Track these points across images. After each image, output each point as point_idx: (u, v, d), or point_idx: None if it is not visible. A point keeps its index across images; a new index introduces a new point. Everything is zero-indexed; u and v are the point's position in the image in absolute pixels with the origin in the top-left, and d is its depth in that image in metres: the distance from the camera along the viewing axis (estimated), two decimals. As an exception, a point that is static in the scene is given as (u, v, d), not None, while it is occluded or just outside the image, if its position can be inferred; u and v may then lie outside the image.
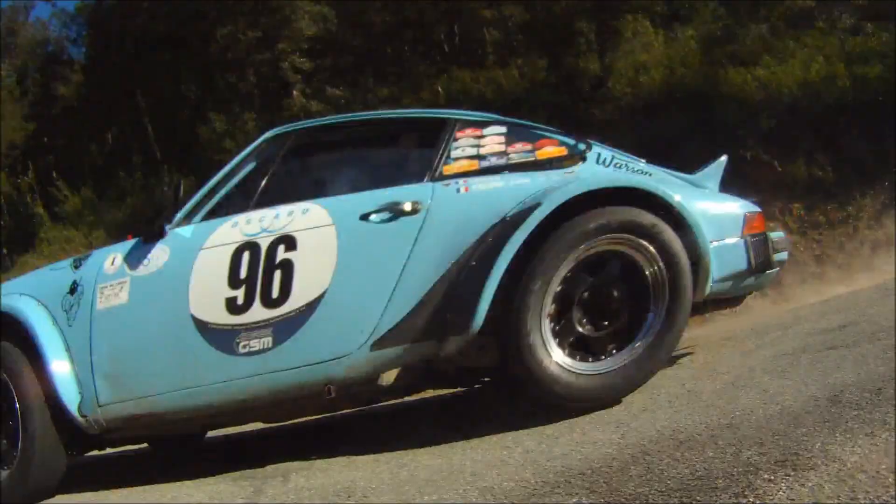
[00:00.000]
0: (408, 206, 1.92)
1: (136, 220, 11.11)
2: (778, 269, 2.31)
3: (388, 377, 1.87)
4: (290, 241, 1.89)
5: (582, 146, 2.24)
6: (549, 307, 1.81)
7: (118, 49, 12.77)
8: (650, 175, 2.30)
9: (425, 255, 1.87)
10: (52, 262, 5.44)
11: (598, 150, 2.28)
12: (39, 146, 14.62)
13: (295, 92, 9.46)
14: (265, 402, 1.94)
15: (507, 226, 1.83)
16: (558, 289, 1.83)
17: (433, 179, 2.05)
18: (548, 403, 1.85)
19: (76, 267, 2.13)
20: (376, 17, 10.09)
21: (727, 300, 2.37)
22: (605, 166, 2.27)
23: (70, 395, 1.91)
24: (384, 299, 1.83)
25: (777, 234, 2.36)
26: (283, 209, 1.99)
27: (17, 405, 1.87)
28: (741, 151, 6.33)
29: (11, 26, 18.18)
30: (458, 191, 1.99)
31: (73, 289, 2.04)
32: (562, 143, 2.24)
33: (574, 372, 1.79)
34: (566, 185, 1.89)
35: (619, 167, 2.29)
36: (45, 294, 2.07)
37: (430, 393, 2.85)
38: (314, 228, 1.92)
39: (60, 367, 1.92)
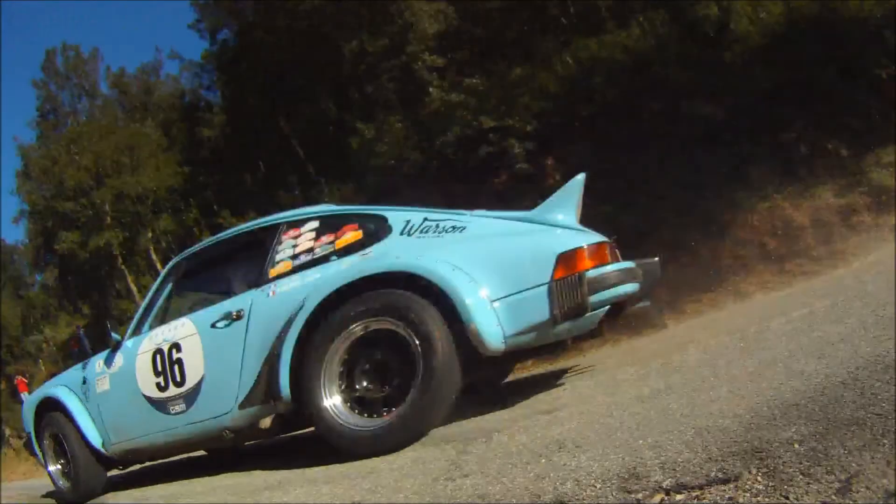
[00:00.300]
0: (234, 314, 2.65)
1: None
2: (603, 309, 2.21)
3: (265, 423, 2.58)
4: (178, 347, 2.81)
5: (372, 228, 2.59)
6: (334, 376, 2.29)
7: (252, 84, 14.10)
8: (463, 229, 2.44)
9: (253, 347, 2.54)
10: None
11: (406, 220, 2.54)
12: (196, 186, 16.36)
13: (432, 89, 10.11)
14: (193, 441, 2.93)
15: (289, 323, 2.39)
16: (344, 359, 2.30)
17: (258, 285, 2.70)
18: (339, 450, 2.28)
19: (84, 368, 3.30)
20: (492, 3, 10.53)
21: (555, 344, 2.51)
22: (409, 236, 2.50)
23: (95, 439, 3.12)
24: (237, 378, 2.56)
25: (618, 266, 2.33)
26: (174, 323, 2.93)
27: (66, 446, 3.26)
28: (875, 70, 6.29)
29: (147, 87, 20.45)
30: (268, 295, 2.61)
31: (84, 381, 3.23)
32: (360, 227, 2.62)
33: (352, 427, 2.23)
34: (322, 286, 2.37)
35: (426, 232, 2.48)
36: (72, 384, 3.32)
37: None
38: (187, 336, 2.79)
39: (87, 425, 3.16)
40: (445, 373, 2.12)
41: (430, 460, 1.95)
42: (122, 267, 17.36)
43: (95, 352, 3.36)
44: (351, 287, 2.28)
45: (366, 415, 2.29)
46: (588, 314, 2.15)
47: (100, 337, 13.10)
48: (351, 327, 2.27)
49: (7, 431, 24.44)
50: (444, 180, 10.32)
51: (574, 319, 2.15)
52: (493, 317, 2.15)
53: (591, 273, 2.16)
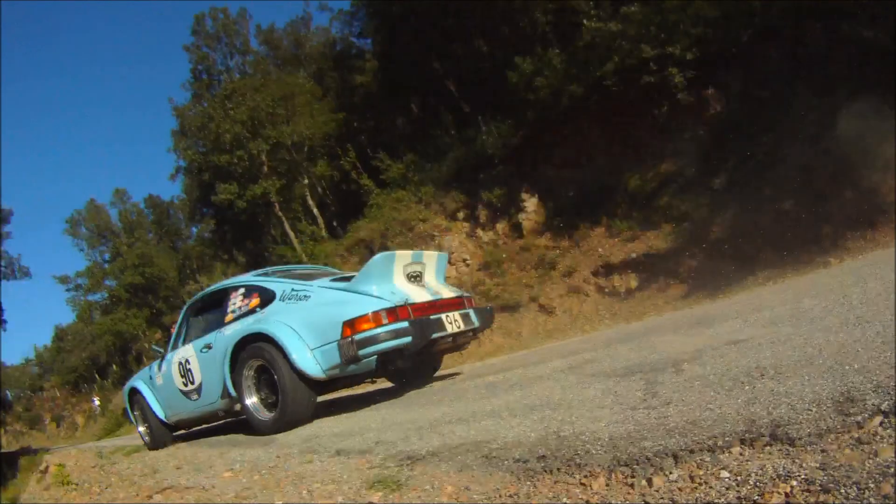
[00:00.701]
0: (208, 345, 5.13)
1: (461, 171, 13.96)
2: (373, 358, 4.23)
3: (238, 408, 4.98)
4: (188, 361, 5.38)
5: (266, 296, 4.87)
6: (251, 387, 4.73)
7: (403, 27, 15.72)
8: (308, 297, 4.56)
9: (216, 365, 4.96)
10: (381, 222, 15.07)
11: (282, 290, 4.76)
12: (351, 131, 18.47)
13: (585, 21, 11.09)
14: (206, 417, 5.59)
15: (226, 354, 4.84)
16: (254, 377, 4.71)
17: (219, 328, 5.10)
18: (257, 432, 4.80)
19: (150, 368, 6.11)
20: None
21: (365, 374, 4.65)
22: (283, 301, 4.65)
23: (160, 413, 5.94)
24: (214, 383, 5.05)
25: (386, 328, 4.14)
26: (186, 346, 5.50)
27: (147, 416, 6.31)
28: None
29: (297, 40, 22.85)
30: (223, 334, 4.99)
31: (150, 377, 6.04)
32: (260, 295, 4.92)
33: (261, 417, 4.69)
34: (235, 335, 4.81)
35: (291, 299, 4.64)
36: (145, 379, 6.19)
37: None
38: (190, 356, 5.35)
39: (154, 404, 5.98)
40: (293, 390, 4.41)
41: (621, 391, 2.56)
42: (280, 214, 19.89)
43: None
44: (246, 337, 4.69)
45: (268, 411, 4.68)
46: (362, 361, 4.19)
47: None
48: (249, 361, 4.69)
49: None
50: (604, 113, 11.42)
51: (355, 364, 4.19)
52: (311, 359, 4.31)
53: (360, 336, 4.09)
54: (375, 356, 4.16)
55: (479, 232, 13.72)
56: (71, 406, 56.87)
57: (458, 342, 5.26)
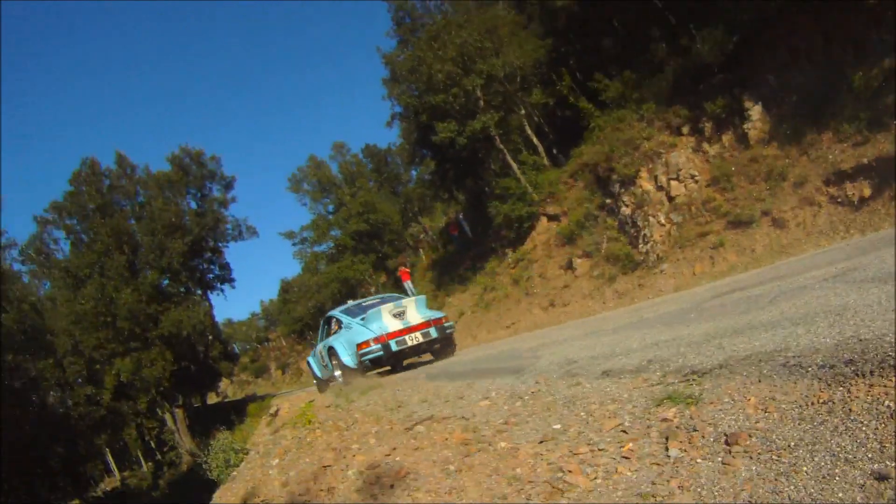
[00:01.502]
0: (324, 346, 13.64)
1: (680, 84, 15.78)
2: (367, 363, 12.22)
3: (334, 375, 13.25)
4: (319, 351, 14.22)
5: (341, 325, 13.57)
6: (335, 366, 13.27)
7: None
8: (351, 328, 12.94)
9: (326, 357, 13.54)
10: (604, 145, 18.59)
11: (343, 322, 13.44)
12: (560, 56, 20.90)
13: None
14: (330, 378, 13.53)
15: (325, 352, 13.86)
16: (334, 363, 13.43)
17: (326, 338, 13.77)
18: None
19: (314, 348, 15.40)
20: None
21: (371, 366, 12.44)
22: (342, 329, 13.29)
23: (321, 374, 14.26)
24: (338, 360, 12.86)
25: (374, 348, 11.93)
26: (318, 345, 14.55)
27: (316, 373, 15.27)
28: None
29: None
30: (326, 342, 13.58)
31: (312, 354, 15.35)
32: (339, 324, 13.70)
33: (339, 380, 12.83)
34: (326, 343, 13.71)
35: (346, 328, 13.22)
36: (315, 354, 14.99)
37: None
38: (318, 350, 14.29)
39: (316, 369, 14.68)
40: (344, 370, 12.57)
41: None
42: (500, 147, 22.96)
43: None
44: (330, 346, 13.17)
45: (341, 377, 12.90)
46: (363, 361, 12.08)
47: (478, 219, 20.73)
48: (332, 356, 13.13)
49: None
50: (819, 8, 12.52)
51: (362, 364, 12.12)
52: (347, 358, 12.40)
53: (361, 350, 12.01)
54: (368, 359, 11.93)
55: (705, 146, 15.52)
56: (296, 354, 67.14)
57: (423, 348, 12.84)
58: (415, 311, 12.76)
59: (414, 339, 12.09)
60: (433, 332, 12.39)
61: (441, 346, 13.10)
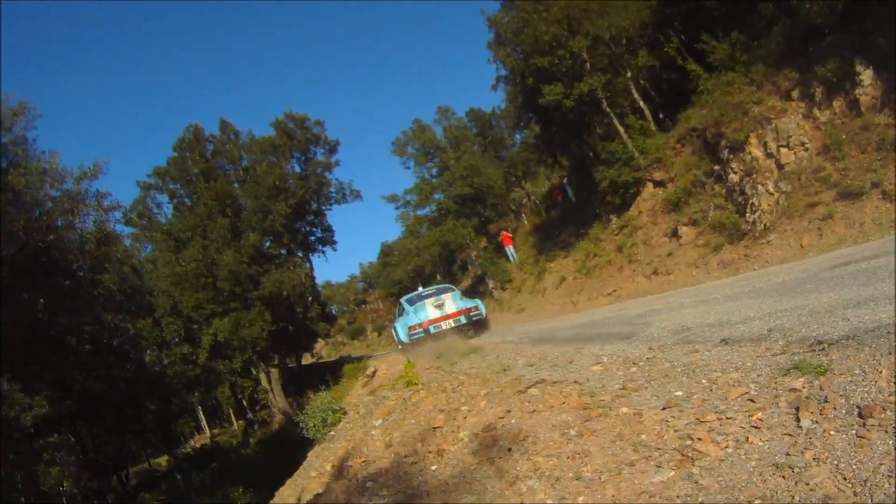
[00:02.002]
0: (399, 323, 21.53)
1: (790, 46, 16.45)
2: (416, 338, 18.43)
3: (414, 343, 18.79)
4: (395, 328, 21.59)
5: (403, 311, 20.64)
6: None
7: None
8: (408, 314, 19.59)
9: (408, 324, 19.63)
10: (713, 108, 19.53)
11: (404, 309, 20.30)
12: (665, 17, 21.76)
13: None
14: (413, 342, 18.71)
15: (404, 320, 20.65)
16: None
17: (399, 318, 21.32)
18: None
19: (397, 321, 21.20)
20: None
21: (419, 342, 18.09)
22: (402, 314, 20.44)
23: (405, 337, 19.08)
24: (405, 334, 19.29)
25: (434, 326, 18.19)
26: (396, 321, 21.86)
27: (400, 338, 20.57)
28: None
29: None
30: (397, 320, 21.77)
31: (395, 327, 21.22)
32: (403, 309, 20.93)
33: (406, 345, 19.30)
34: (395, 322, 22.10)
35: (405, 313, 20.06)
36: (398, 323, 20.69)
37: None
38: (398, 320, 20.91)
39: (402, 335, 19.40)
40: (402, 343, 19.58)
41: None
42: (607, 110, 24.06)
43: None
44: (395, 325, 21.34)
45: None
46: (413, 338, 18.26)
47: (582, 184, 22.80)
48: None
49: (491, 284, 35.72)
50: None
51: (412, 341, 18.23)
52: (403, 336, 19.05)
53: (412, 331, 18.37)
54: (416, 337, 18.08)
55: (816, 112, 16.12)
56: (393, 316, 69.58)
57: (454, 331, 18.09)
58: (451, 303, 18.99)
59: (447, 324, 18.30)
60: (462, 319, 18.57)
61: (473, 327, 19.05)
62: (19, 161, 20.19)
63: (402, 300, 21.02)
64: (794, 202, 16.04)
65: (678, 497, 4.47)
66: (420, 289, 22.55)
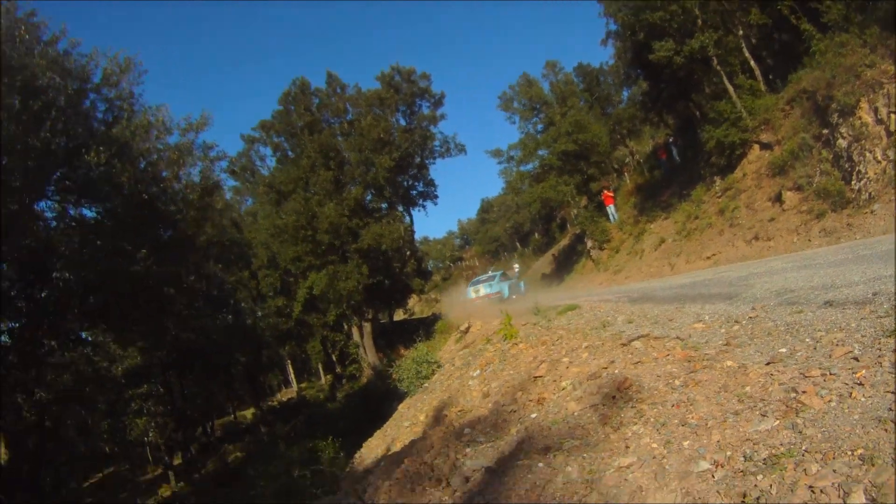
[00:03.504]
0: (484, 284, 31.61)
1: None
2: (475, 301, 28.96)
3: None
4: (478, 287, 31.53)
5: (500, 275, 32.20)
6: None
7: None
8: (493, 282, 30.61)
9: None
10: (825, 70, 19.04)
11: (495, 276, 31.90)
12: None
13: None
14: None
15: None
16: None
17: (478, 283, 32.10)
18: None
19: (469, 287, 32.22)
20: None
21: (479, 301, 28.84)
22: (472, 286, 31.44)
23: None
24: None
25: (505, 292, 29.13)
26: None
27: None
28: None
29: None
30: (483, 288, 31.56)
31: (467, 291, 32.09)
32: (497, 279, 31.31)
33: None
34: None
35: (475, 285, 31.41)
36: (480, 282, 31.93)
37: None
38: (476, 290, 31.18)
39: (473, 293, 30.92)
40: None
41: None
42: (717, 67, 24.00)
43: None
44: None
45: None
46: (476, 301, 28.51)
47: (687, 144, 23.07)
48: None
49: (589, 244, 36.02)
50: None
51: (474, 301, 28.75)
52: (470, 296, 29.95)
53: (471, 297, 29.41)
54: (475, 300, 28.16)
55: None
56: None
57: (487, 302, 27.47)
58: (497, 281, 29.99)
59: (486, 296, 28.39)
60: (505, 292, 28.83)
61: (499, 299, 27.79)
62: (125, 115, 21.65)
63: (471, 283, 31.92)
64: (901, 172, 15.77)
65: (782, 445, 4.67)
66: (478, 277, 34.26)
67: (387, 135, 42.77)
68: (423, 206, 50.09)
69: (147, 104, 22.58)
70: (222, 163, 26.80)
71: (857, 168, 17.33)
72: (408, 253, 47.98)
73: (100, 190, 20.19)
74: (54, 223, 21.18)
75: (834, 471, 4.04)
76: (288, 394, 65.57)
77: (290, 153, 45.39)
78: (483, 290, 29.36)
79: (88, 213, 21.79)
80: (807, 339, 6.42)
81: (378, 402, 29.72)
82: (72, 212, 21.46)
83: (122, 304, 22.26)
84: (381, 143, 42.08)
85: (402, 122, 46.65)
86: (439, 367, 19.23)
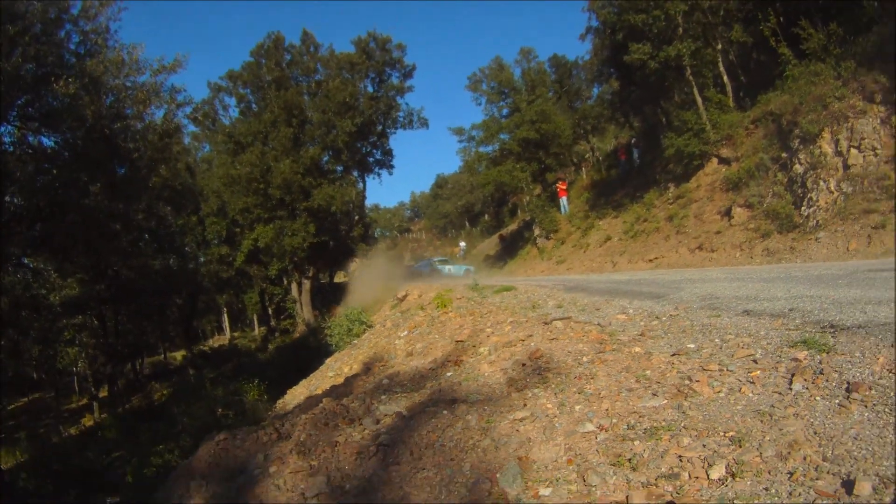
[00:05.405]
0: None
1: (885, 48, 16.46)
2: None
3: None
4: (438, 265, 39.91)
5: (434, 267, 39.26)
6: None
7: None
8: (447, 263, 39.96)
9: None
10: (794, 96, 19.20)
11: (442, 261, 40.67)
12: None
13: None
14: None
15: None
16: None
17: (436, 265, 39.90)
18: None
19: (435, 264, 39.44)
20: None
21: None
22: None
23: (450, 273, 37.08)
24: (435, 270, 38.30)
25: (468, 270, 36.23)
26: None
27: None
28: None
29: None
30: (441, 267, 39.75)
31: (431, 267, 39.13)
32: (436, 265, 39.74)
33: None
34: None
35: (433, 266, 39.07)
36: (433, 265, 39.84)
37: None
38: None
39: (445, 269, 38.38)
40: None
41: None
42: (690, 78, 24.13)
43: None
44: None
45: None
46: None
47: (648, 149, 23.25)
48: None
49: (536, 231, 36.35)
50: None
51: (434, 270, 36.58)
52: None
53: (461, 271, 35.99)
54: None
55: (895, 119, 16.21)
56: (433, 249, 71.47)
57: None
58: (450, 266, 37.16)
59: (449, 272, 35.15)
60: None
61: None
62: (99, 49, 20.81)
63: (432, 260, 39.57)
64: (852, 205, 16.26)
65: (664, 420, 5.16)
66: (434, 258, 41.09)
67: (353, 100, 42.59)
68: (378, 174, 50.33)
69: (122, 41, 21.88)
70: (187, 108, 26.08)
71: (809, 195, 17.65)
72: (356, 217, 48.37)
73: (63, 121, 19.47)
74: (11, 148, 20.29)
75: (704, 445, 4.60)
76: (220, 341, 65.11)
77: (254, 106, 44.53)
78: (450, 268, 36.98)
79: (47, 142, 21.07)
80: (716, 340, 6.86)
81: (308, 356, 29.45)
82: (31, 139, 20.65)
83: (69, 234, 21.67)
84: (346, 107, 41.81)
85: (370, 89, 46.43)
86: (370, 327, 19.72)
